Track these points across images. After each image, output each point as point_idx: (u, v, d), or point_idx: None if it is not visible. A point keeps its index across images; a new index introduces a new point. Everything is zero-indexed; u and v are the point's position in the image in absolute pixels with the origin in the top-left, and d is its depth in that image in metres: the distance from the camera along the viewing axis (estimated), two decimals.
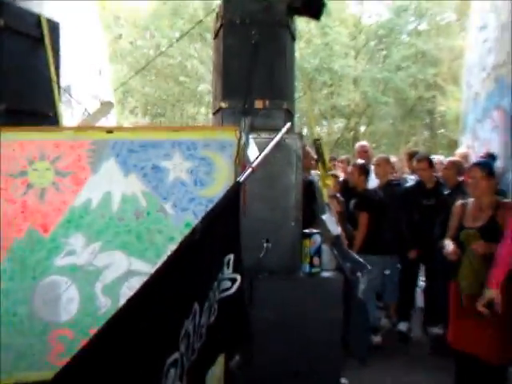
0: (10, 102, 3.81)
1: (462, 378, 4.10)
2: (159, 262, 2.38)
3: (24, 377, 3.12)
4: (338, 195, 5.84)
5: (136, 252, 3.20)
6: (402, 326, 6.03)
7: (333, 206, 4.91)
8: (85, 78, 8.91)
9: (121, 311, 1.87)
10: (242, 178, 2.72)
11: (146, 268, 3.16)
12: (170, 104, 21.41)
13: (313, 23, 16.18)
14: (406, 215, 5.88)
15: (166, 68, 20.30)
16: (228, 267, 2.63)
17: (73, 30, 7.69)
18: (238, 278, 2.66)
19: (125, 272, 3.20)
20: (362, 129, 22.76)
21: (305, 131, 18.56)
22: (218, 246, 2.52)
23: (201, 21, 6.20)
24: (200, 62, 20.72)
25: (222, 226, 2.51)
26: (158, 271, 2.08)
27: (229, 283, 2.65)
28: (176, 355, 2.15)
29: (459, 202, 4.21)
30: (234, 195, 2.64)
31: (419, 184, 6.04)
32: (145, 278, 2.25)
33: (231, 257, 2.63)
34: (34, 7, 4.36)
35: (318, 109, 20.81)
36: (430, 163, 6.06)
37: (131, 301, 1.91)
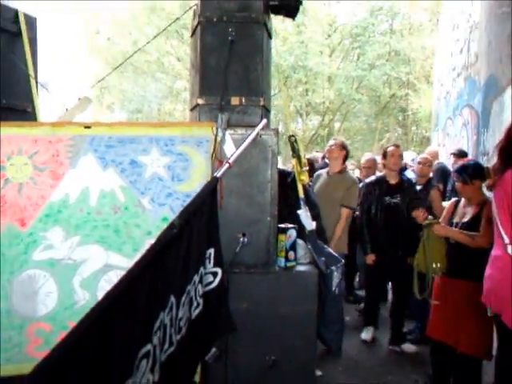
0: None
1: (438, 369, 4.14)
2: (137, 256, 2.53)
3: (3, 370, 3.12)
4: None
5: (113, 246, 3.22)
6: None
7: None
8: (63, 74, 8.84)
9: (99, 305, 1.90)
10: (219, 174, 2.77)
11: (124, 262, 3.19)
12: (147, 100, 21.80)
13: (288, 21, 16.38)
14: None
15: (143, 65, 20.57)
16: (209, 262, 2.66)
17: (51, 26, 7.60)
18: (220, 271, 2.70)
19: (102, 266, 3.22)
20: (337, 126, 23.36)
21: (280, 128, 18.72)
22: (198, 241, 2.52)
23: (178, 18, 6.21)
24: (177, 58, 20.89)
25: (200, 221, 2.54)
26: (136, 265, 2.12)
27: (211, 277, 2.68)
28: (148, 347, 2.17)
29: (452, 200, 4.27)
30: (211, 190, 2.68)
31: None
32: (122, 272, 2.37)
33: (212, 251, 2.66)
34: (12, 3, 4.31)
35: (293, 106, 21.38)
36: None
37: (110, 294, 1.95)
